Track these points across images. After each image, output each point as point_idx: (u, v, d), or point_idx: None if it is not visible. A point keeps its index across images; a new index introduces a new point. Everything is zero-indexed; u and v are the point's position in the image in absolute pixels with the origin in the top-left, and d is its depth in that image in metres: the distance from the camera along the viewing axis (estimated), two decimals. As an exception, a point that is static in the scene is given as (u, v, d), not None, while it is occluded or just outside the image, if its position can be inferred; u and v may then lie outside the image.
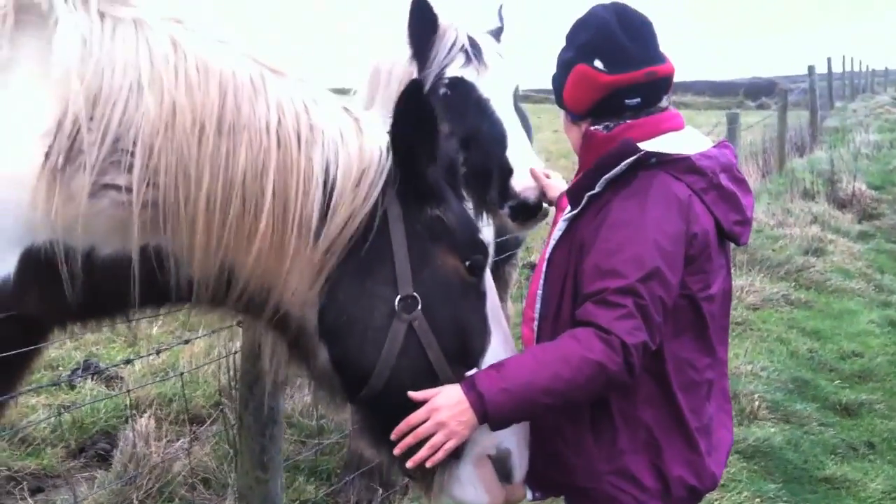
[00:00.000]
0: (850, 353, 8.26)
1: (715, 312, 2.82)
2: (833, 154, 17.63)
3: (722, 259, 2.84)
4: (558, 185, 3.51)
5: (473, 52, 4.14)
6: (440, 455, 2.53)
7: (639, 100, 2.81)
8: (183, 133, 2.38)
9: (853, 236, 12.86)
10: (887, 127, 27.22)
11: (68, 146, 2.33)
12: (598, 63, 2.78)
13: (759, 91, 53.29)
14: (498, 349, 2.70)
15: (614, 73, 2.77)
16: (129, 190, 2.38)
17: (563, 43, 2.93)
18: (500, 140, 3.94)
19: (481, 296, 2.75)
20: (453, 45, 4.11)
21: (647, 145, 2.70)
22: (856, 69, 47.07)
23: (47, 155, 2.33)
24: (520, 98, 7.59)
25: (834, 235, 12.44)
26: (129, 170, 2.37)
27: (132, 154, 2.36)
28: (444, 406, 2.50)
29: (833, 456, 6.23)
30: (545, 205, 3.71)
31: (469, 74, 4.08)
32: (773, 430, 6.41)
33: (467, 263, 2.67)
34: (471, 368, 2.64)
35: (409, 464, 2.56)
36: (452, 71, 4.08)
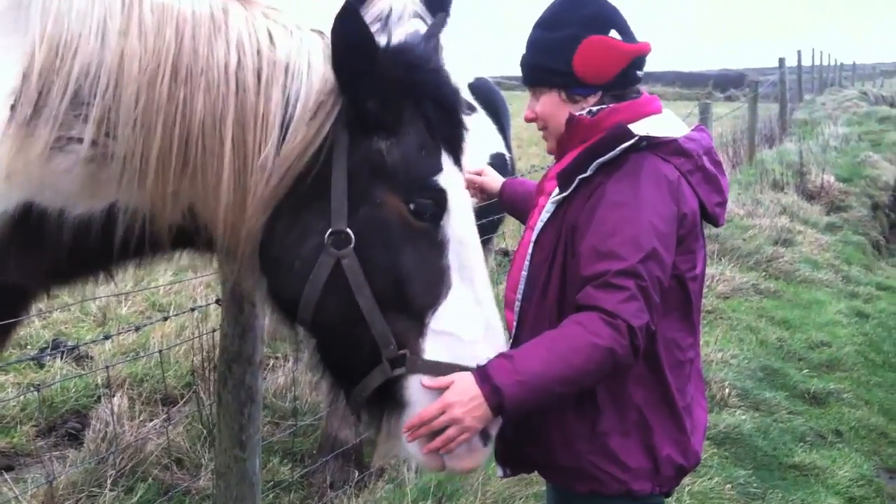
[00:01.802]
0: (818, 343, 8.36)
1: (697, 292, 2.85)
2: (802, 146, 17.78)
3: (702, 239, 2.88)
4: (494, 176, 3.52)
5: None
6: (453, 446, 2.48)
7: (640, 72, 2.88)
8: (136, 81, 2.30)
9: (821, 227, 13.00)
10: (855, 120, 27.46)
11: (35, 98, 2.28)
12: (614, 34, 2.79)
13: (728, 83, 53.64)
14: (465, 308, 2.53)
15: (631, 42, 2.82)
16: (93, 143, 2.33)
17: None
18: None
19: (438, 245, 2.55)
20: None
21: (633, 128, 2.71)
22: (824, 63, 47.43)
23: (13, 108, 2.29)
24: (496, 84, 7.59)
25: (802, 226, 12.56)
26: (87, 121, 2.32)
27: (90, 105, 2.31)
28: (459, 402, 2.42)
29: (802, 443, 6.31)
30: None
31: None
32: (743, 417, 6.47)
33: (411, 206, 2.51)
34: (416, 322, 2.50)
35: (425, 450, 2.51)
36: None
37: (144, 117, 2.32)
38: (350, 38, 2.41)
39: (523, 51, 2.96)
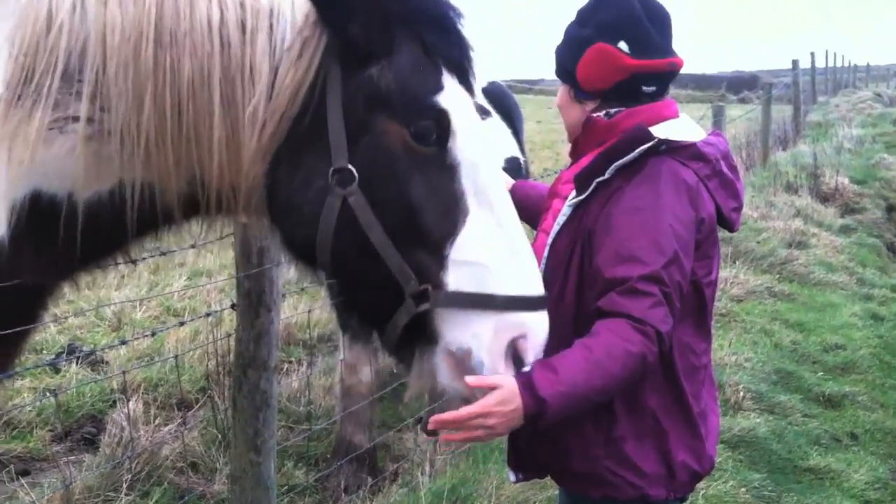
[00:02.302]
0: (832, 346, 8.31)
1: (711, 298, 2.85)
2: (816, 148, 17.69)
3: (718, 244, 2.87)
4: (504, 178, 3.51)
5: None
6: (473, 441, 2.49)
7: (654, 88, 2.83)
8: (120, 51, 2.24)
9: (836, 230, 12.93)
10: (869, 122, 27.38)
11: (26, 78, 2.23)
12: (622, 45, 2.76)
13: (741, 85, 53.49)
14: (486, 234, 2.41)
15: (639, 57, 2.76)
16: (90, 120, 2.28)
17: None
18: None
19: (448, 170, 2.42)
20: None
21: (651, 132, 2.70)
22: (838, 64, 47.28)
23: (8, 90, 2.24)
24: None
25: (817, 229, 12.50)
26: (80, 97, 2.26)
27: (81, 81, 2.26)
28: (499, 412, 2.37)
29: (817, 447, 6.28)
30: None
31: None
32: (757, 420, 6.44)
33: (412, 130, 2.38)
34: (435, 254, 2.39)
35: (443, 438, 2.55)
36: None
37: (134, 87, 2.25)
38: None
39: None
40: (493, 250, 2.41)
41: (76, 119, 2.26)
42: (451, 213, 2.40)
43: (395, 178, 2.38)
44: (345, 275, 2.51)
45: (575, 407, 2.46)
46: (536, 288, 2.46)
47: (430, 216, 2.39)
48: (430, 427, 2.47)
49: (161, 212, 2.42)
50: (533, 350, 2.43)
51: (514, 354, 2.43)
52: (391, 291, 2.41)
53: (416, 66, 2.40)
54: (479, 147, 2.49)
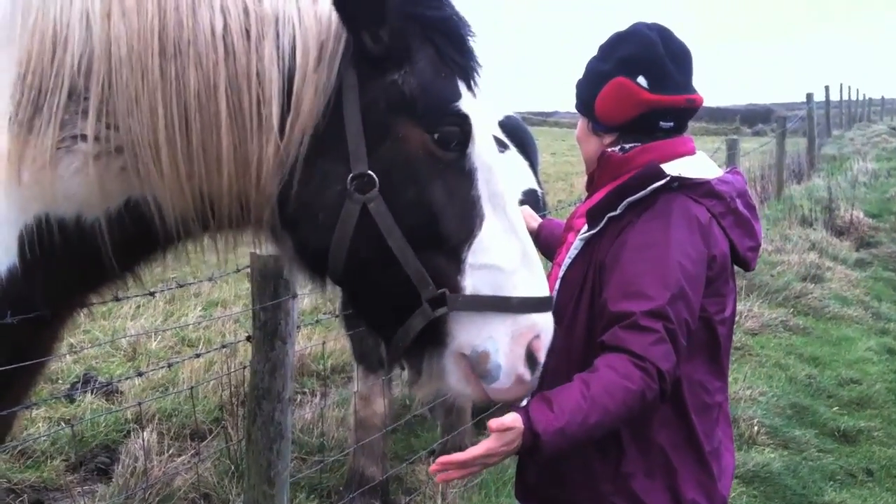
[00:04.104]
0: (848, 380, 8.28)
1: (726, 335, 2.84)
2: (831, 182, 17.70)
3: (732, 283, 2.86)
4: (531, 215, 3.53)
5: None
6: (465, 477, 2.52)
7: (672, 124, 2.84)
8: (125, 64, 2.20)
9: (851, 264, 12.91)
10: (885, 156, 27.35)
11: (34, 98, 2.21)
12: (641, 80, 2.78)
13: (755, 118, 53.53)
14: (501, 238, 2.44)
15: (658, 92, 2.77)
16: (96, 139, 2.24)
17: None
18: None
19: (466, 174, 2.44)
20: None
21: (664, 168, 2.71)
22: (853, 98, 47.28)
23: (16, 114, 2.22)
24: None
25: (832, 262, 12.48)
26: (87, 115, 2.22)
27: (87, 99, 2.22)
28: (502, 453, 2.43)
29: (832, 482, 6.24)
30: None
31: None
32: (772, 455, 6.43)
33: (436, 136, 2.39)
34: (453, 258, 2.42)
35: (439, 479, 2.51)
36: None
37: (141, 101, 2.22)
38: None
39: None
40: (508, 254, 2.45)
41: (83, 138, 2.23)
42: (469, 217, 2.43)
43: (416, 184, 2.39)
44: (358, 281, 2.48)
45: (572, 442, 2.46)
46: (545, 289, 2.53)
47: (449, 221, 2.41)
48: (434, 468, 2.48)
49: (171, 228, 2.37)
50: (545, 349, 2.49)
51: (529, 354, 2.47)
52: (407, 296, 2.41)
53: (437, 72, 2.42)
54: (493, 152, 2.52)
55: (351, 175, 2.35)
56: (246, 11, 2.28)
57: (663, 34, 2.84)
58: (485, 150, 2.49)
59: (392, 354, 2.58)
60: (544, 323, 2.49)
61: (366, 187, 2.35)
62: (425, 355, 2.51)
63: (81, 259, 2.36)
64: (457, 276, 2.42)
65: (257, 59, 2.27)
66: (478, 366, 2.45)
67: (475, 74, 2.53)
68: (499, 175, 2.51)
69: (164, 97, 2.23)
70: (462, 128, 2.43)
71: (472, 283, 2.42)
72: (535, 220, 3.52)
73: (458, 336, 2.44)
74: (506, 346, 2.43)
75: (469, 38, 2.51)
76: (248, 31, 2.28)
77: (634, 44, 2.83)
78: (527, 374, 2.48)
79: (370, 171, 2.35)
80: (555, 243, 3.16)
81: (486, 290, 2.42)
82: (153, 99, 2.22)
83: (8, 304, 2.30)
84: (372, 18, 2.31)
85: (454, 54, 2.46)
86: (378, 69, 2.37)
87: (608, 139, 2.89)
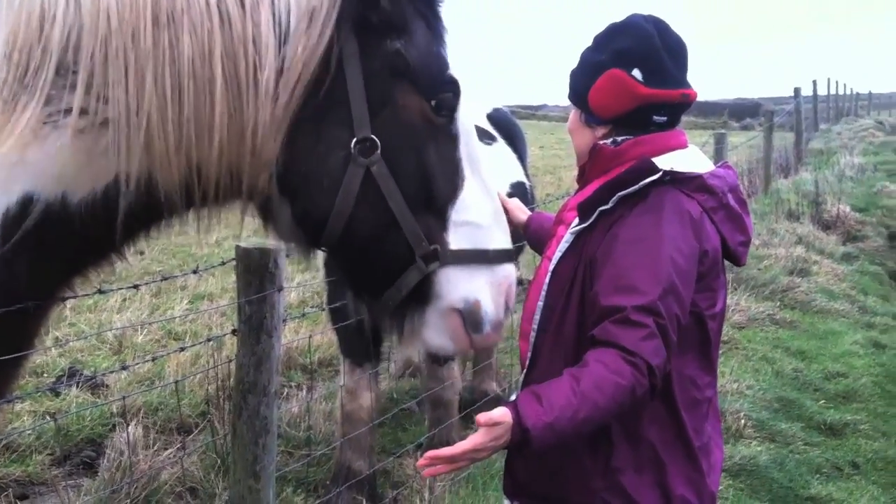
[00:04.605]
0: (834, 374, 8.30)
1: (716, 330, 2.82)
2: (818, 176, 17.76)
3: (723, 277, 2.85)
4: (521, 207, 3.51)
5: None
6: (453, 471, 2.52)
7: (665, 118, 2.82)
8: (117, 37, 2.20)
9: (837, 257, 12.94)
10: (871, 150, 27.46)
11: (20, 74, 2.20)
12: (636, 73, 2.75)
13: (743, 112, 53.64)
14: (477, 197, 2.63)
15: (653, 86, 2.75)
16: (83, 112, 2.23)
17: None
18: None
19: (453, 139, 2.61)
20: None
21: (656, 162, 2.69)
22: (840, 92, 47.44)
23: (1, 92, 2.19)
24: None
25: (818, 256, 12.51)
26: (74, 88, 2.21)
27: (76, 73, 2.21)
28: (490, 448, 2.43)
29: (818, 475, 6.26)
30: None
31: None
32: (758, 448, 6.44)
33: (433, 103, 2.53)
34: (440, 217, 2.57)
35: (426, 473, 2.51)
36: None
37: (133, 73, 2.22)
38: None
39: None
40: (483, 210, 2.66)
41: (70, 112, 2.22)
42: (454, 178, 2.60)
43: (414, 147, 2.52)
44: (354, 243, 2.56)
45: (561, 437, 2.45)
46: (509, 242, 2.74)
47: (440, 182, 2.57)
48: (422, 462, 2.48)
49: (158, 204, 2.37)
50: (513, 296, 2.73)
51: (506, 301, 2.69)
52: (401, 255, 2.55)
53: (429, 42, 2.55)
54: (469, 119, 2.68)
55: (355, 140, 2.44)
56: None
57: (660, 27, 2.82)
58: (465, 115, 2.65)
59: (380, 314, 2.70)
60: (513, 272, 2.72)
61: (369, 152, 2.45)
62: (407, 314, 2.64)
63: (67, 241, 2.34)
64: (443, 234, 2.58)
65: (253, 25, 2.31)
66: (470, 316, 2.61)
67: (446, 42, 2.66)
68: (474, 139, 2.69)
69: (156, 66, 2.23)
70: (455, 93, 2.58)
71: (456, 238, 2.59)
72: (525, 213, 3.50)
73: (447, 292, 2.59)
74: (490, 295, 2.64)
75: (440, 8, 2.65)
76: (242, 0, 2.31)
77: (630, 36, 2.80)
78: (504, 321, 2.70)
79: (373, 136, 2.45)
80: (544, 236, 3.14)
81: (466, 244, 2.60)
82: (144, 67, 2.22)
83: None
84: None
85: (437, 24, 2.60)
86: (380, 38, 2.46)
87: (601, 131, 2.87)
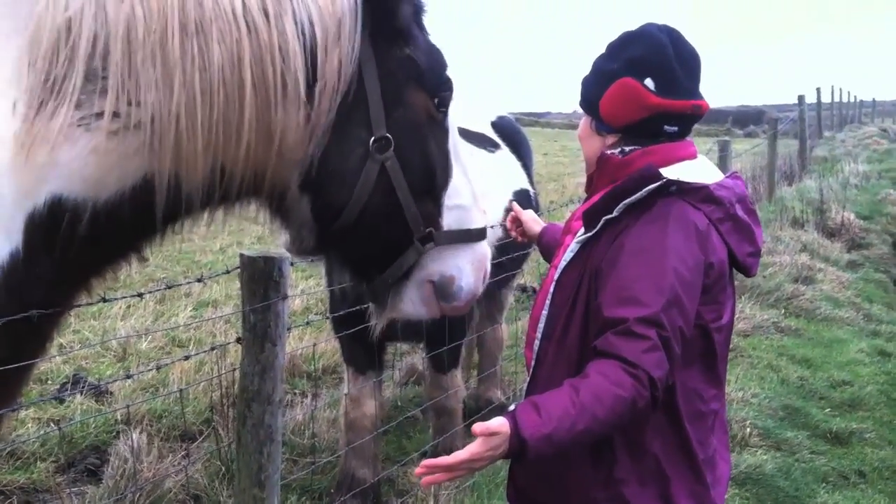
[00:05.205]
0: (840, 382, 8.27)
1: (722, 343, 2.80)
2: (822, 183, 17.71)
3: (730, 289, 2.82)
4: (535, 219, 3.53)
5: None
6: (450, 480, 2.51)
7: (676, 129, 2.81)
8: (147, 43, 2.32)
9: (842, 265, 12.91)
10: (875, 157, 27.41)
11: (47, 81, 2.27)
12: (649, 82, 2.74)
13: (747, 119, 53.62)
14: (462, 182, 2.94)
15: (665, 96, 2.74)
16: (115, 115, 2.32)
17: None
18: None
19: (446, 131, 2.90)
20: None
21: (664, 173, 2.68)
22: (844, 100, 47.40)
23: (29, 95, 2.26)
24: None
25: (823, 264, 12.47)
26: (105, 93, 2.32)
27: (105, 78, 2.31)
28: (488, 458, 2.42)
29: (824, 484, 6.24)
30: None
31: None
32: (764, 457, 6.41)
33: (435, 100, 2.82)
34: (436, 202, 2.87)
35: (424, 482, 2.49)
36: None
37: (163, 77, 2.34)
38: None
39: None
40: (467, 194, 2.97)
41: (101, 115, 2.32)
42: (447, 167, 2.90)
43: (420, 142, 2.81)
44: (363, 230, 2.79)
45: (559, 448, 2.44)
46: (486, 220, 3.07)
47: (438, 172, 2.87)
48: (419, 471, 2.48)
49: (182, 201, 2.51)
50: (489, 270, 3.11)
51: (484, 276, 3.05)
52: (402, 238, 2.85)
53: (428, 46, 2.84)
54: (452, 109, 2.96)
55: (373, 138, 2.69)
56: None
57: (673, 37, 2.81)
58: (452, 108, 2.94)
59: (379, 290, 2.99)
60: (489, 249, 3.10)
61: (384, 148, 2.71)
62: (391, 287, 2.96)
63: (91, 240, 2.41)
64: (437, 217, 2.89)
65: (278, 34, 2.48)
66: (444, 289, 2.97)
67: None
68: (456, 129, 3.00)
69: (185, 71, 2.36)
70: (451, 91, 2.89)
71: (446, 220, 2.91)
72: (539, 225, 3.50)
73: (427, 267, 2.92)
74: (471, 271, 2.99)
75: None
76: (266, 10, 2.47)
77: (644, 45, 2.79)
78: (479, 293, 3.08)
79: (387, 134, 2.71)
80: (556, 247, 3.14)
81: (454, 225, 2.93)
82: (173, 73, 2.35)
83: (6, 291, 2.31)
84: (398, 3, 2.68)
85: (426, 33, 2.88)
86: (391, 45, 2.72)
87: (611, 139, 2.86)
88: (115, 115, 2.33)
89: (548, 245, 3.37)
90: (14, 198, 2.27)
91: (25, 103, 2.27)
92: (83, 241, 2.40)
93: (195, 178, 2.47)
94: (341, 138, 2.66)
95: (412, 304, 2.98)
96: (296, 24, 2.50)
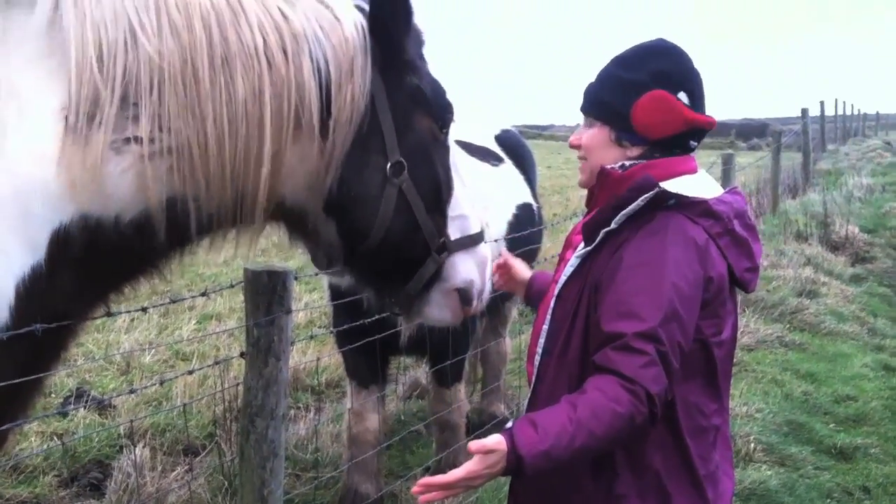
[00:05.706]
0: (844, 397, 8.23)
1: (723, 358, 2.79)
2: (826, 197, 17.68)
3: (731, 304, 2.81)
4: (523, 267, 3.50)
5: None
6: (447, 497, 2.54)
7: (696, 144, 2.83)
8: (179, 75, 2.49)
9: (846, 279, 12.87)
10: (879, 171, 27.39)
11: (85, 107, 2.41)
12: (682, 96, 2.74)
13: (750, 132, 53.60)
14: (462, 193, 3.15)
15: (697, 111, 2.76)
16: (151, 141, 2.48)
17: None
18: None
19: (447, 149, 3.11)
20: None
21: (664, 187, 2.67)
22: (847, 113, 47.41)
23: (66, 119, 2.40)
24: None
25: (827, 278, 12.42)
26: (138, 120, 2.47)
27: (137, 105, 2.46)
28: (485, 475, 2.44)
29: (829, 500, 6.20)
30: None
31: None
32: (768, 472, 6.38)
33: (439, 123, 3.03)
34: (443, 214, 3.07)
35: (421, 500, 2.50)
36: None
37: (193, 106, 2.51)
38: (405, 9, 2.84)
39: (592, 79, 2.93)
40: (466, 203, 3.17)
41: (136, 139, 2.47)
42: (450, 182, 3.10)
43: (429, 163, 3.01)
44: (387, 249, 2.99)
45: (556, 465, 2.44)
46: (481, 223, 3.26)
47: (444, 187, 3.07)
48: (416, 490, 2.49)
49: (201, 223, 2.67)
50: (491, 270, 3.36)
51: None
52: (422, 251, 3.05)
53: (430, 74, 3.03)
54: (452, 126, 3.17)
55: (389, 164, 2.88)
56: (279, 29, 2.64)
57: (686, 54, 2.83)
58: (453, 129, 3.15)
59: (403, 300, 3.20)
60: (488, 250, 3.32)
61: (399, 172, 2.90)
62: (416, 296, 3.16)
63: (112, 257, 2.59)
64: (445, 229, 3.09)
65: (295, 70, 2.65)
66: (465, 295, 3.18)
67: None
68: (455, 144, 3.22)
69: (215, 103, 2.54)
70: (452, 113, 3.09)
71: (452, 230, 3.11)
72: (527, 273, 3.48)
73: (450, 275, 3.12)
74: (479, 274, 3.21)
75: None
76: (284, 48, 2.63)
77: (671, 60, 2.79)
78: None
79: (401, 158, 2.89)
80: (545, 294, 3.08)
81: (458, 234, 3.13)
82: (205, 104, 2.53)
83: (28, 302, 2.42)
84: (407, 41, 2.89)
85: (427, 61, 3.07)
86: (399, 75, 2.90)
87: (634, 151, 2.82)
88: (151, 140, 2.48)
89: (538, 292, 3.29)
90: (43, 214, 2.40)
91: (63, 127, 2.40)
92: (104, 258, 2.55)
93: (217, 202, 2.63)
94: (360, 165, 2.84)
95: (439, 310, 3.20)
96: (311, 60, 2.67)
